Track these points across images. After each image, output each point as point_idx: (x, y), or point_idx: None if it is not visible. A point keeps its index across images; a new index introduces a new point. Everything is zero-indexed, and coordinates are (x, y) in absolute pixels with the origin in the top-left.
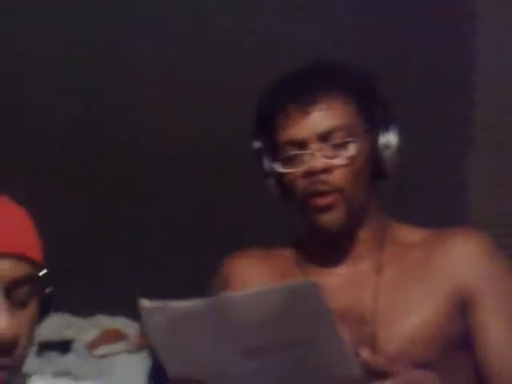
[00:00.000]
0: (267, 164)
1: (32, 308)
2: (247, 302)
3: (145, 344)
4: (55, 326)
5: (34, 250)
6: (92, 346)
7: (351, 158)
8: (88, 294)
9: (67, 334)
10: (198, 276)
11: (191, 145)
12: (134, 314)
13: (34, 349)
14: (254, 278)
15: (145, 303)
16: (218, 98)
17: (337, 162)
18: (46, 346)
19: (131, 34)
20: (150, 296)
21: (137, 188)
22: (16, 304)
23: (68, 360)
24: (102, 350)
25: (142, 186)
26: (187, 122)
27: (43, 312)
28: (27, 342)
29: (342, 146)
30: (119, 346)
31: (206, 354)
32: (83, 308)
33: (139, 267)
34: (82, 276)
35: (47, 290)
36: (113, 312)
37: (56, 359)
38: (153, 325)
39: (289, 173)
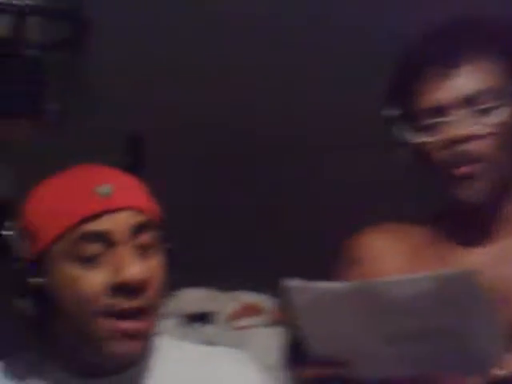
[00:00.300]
0: (401, 133)
1: (157, 259)
2: (397, 288)
3: (281, 319)
4: (198, 299)
5: (150, 206)
6: (232, 318)
7: (498, 125)
8: (228, 271)
9: (209, 306)
10: (333, 252)
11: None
12: (270, 289)
13: (179, 320)
14: (387, 252)
15: (289, 282)
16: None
17: (482, 129)
18: (190, 318)
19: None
20: (286, 274)
21: (278, 166)
22: (141, 252)
23: (209, 331)
24: (241, 322)
25: (278, 165)
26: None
27: (170, 266)
28: (157, 288)
29: (488, 111)
30: (257, 319)
31: (348, 334)
32: (224, 283)
33: (275, 246)
34: (223, 254)
35: (168, 246)
36: (251, 288)
37: (199, 330)
38: (296, 303)
39: (427, 142)
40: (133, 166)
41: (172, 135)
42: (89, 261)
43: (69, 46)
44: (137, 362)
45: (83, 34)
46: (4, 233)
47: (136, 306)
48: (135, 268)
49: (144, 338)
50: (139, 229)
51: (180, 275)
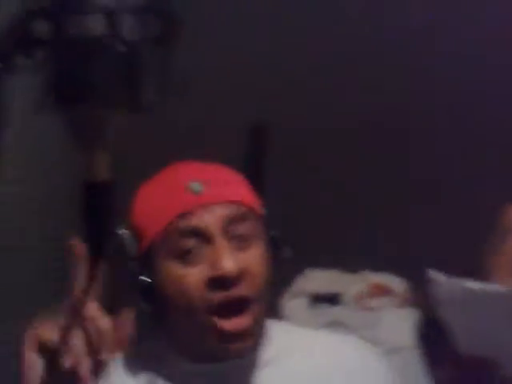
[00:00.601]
0: None
1: (256, 248)
2: None
3: (411, 300)
4: (325, 280)
5: (244, 197)
6: (360, 298)
7: None
8: (355, 252)
9: (336, 287)
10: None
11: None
12: (398, 270)
13: (306, 301)
14: None
15: (435, 276)
16: None
17: None
18: (317, 299)
19: None
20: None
21: (399, 134)
22: (238, 244)
23: (337, 311)
24: (369, 302)
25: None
26: None
27: (276, 254)
28: (256, 277)
29: None
30: (385, 300)
31: (498, 334)
32: (350, 264)
33: (399, 227)
34: (349, 237)
35: (271, 234)
36: (378, 268)
37: (326, 310)
38: (442, 297)
39: None
40: (256, 155)
41: None
42: (187, 256)
43: (161, 42)
44: (252, 349)
45: (174, 30)
46: (118, 232)
47: (235, 296)
48: (229, 261)
49: (250, 335)
50: (233, 221)
51: (308, 257)
